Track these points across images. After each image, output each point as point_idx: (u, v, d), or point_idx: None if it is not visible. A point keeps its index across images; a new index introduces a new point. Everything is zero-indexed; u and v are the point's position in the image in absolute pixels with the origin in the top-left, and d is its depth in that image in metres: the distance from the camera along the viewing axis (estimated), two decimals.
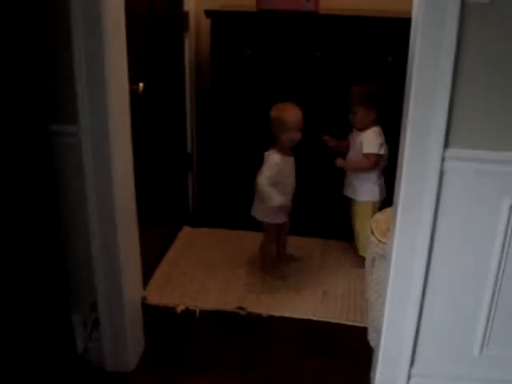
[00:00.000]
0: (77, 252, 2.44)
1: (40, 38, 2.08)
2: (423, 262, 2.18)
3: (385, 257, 2.46)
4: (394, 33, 3.41)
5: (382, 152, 3.30)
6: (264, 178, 3.12)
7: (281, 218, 3.28)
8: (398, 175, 2.18)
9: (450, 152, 2.03)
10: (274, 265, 3.42)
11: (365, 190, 3.40)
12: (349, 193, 3.48)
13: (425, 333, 2.33)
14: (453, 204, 2.11)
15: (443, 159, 2.03)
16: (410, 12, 2.11)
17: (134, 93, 2.66)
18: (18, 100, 1.97)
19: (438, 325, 2.32)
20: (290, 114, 3.12)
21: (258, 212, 3.28)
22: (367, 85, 3.34)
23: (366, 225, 3.20)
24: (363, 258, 3.25)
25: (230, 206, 3.91)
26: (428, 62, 1.94)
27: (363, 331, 2.88)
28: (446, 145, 2.02)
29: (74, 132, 2.25)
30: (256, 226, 3.31)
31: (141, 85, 2.82)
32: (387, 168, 3.29)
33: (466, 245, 2.17)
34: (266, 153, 3.19)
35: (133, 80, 2.61)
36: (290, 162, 3.22)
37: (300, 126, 3.11)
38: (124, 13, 2.28)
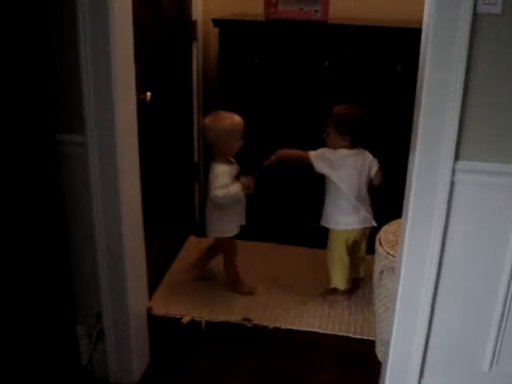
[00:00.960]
0: (82, 262, 2.43)
1: (47, 47, 2.07)
2: (433, 274, 2.16)
3: (393, 269, 2.43)
4: (403, 42, 3.39)
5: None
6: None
7: (234, 230, 3.21)
8: (407, 186, 2.15)
9: (461, 164, 2.01)
10: (238, 281, 3.35)
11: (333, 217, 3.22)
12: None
13: (434, 347, 2.31)
14: (463, 216, 2.08)
15: (453, 171, 2.01)
16: (418, 21, 2.09)
17: (141, 102, 2.65)
18: (25, 109, 1.96)
19: (447, 339, 2.29)
20: (237, 121, 3.05)
21: (217, 228, 3.22)
22: (349, 111, 3.10)
23: (329, 255, 3.19)
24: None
25: None
26: (439, 74, 1.92)
27: (371, 344, 2.86)
28: (457, 157, 2.00)
29: (80, 141, 2.23)
30: (262, 236, 3.28)
31: (148, 94, 2.81)
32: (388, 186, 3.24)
33: (476, 257, 2.14)
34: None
35: (140, 89, 2.60)
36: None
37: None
38: (132, 22, 2.27)
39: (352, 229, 3.16)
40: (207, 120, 3.10)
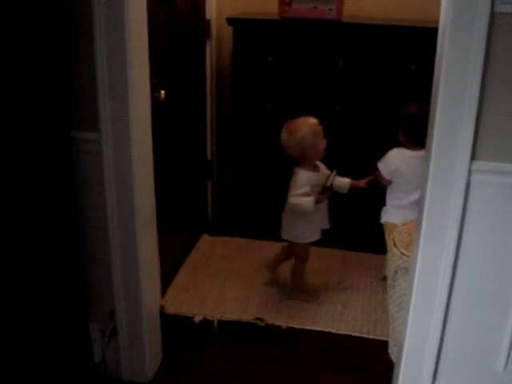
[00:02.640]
0: (96, 260, 2.43)
1: (62, 45, 2.07)
2: (448, 275, 2.14)
3: (407, 270, 2.42)
4: (418, 41, 3.39)
5: None
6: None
7: (314, 235, 3.15)
8: (422, 187, 2.14)
9: (477, 165, 1.99)
10: (304, 289, 3.29)
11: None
12: None
13: (448, 347, 2.29)
14: (479, 217, 2.06)
15: (470, 172, 1.99)
16: (433, 21, 2.08)
17: (155, 100, 2.65)
18: (40, 107, 1.96)
19: (461, 339, 2.27)
20: (314, 121, 2.98)
21: (290, 232, 3.17)
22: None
23: None
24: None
25: (250, 215, 3.88)
26: (455, 73, 1.90)
27: (384, 345, 2.85)
28: (473, 157, 1.98)
29: (95, 139, 2.24)
30: (276, 235, 3.27)
31: (162, 92, 2.82)
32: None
33: (491, 258, 2.12)
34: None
35: (155, 87, 2.61)
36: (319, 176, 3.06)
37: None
38: (147, 20, 2.27)
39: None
40: (283, 136, 3.02)
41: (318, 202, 2.97)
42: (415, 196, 2.81)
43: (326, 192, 3.01)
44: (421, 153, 2.78)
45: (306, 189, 2.97)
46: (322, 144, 2.98)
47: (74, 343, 2.34)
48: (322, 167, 3.10)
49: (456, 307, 2.21)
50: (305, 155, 3.00)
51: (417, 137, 3.03)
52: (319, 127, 2.98)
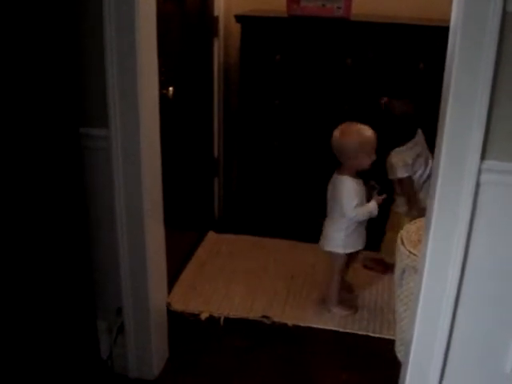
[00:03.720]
0: (103, 257, 2.43)
1: (72, 41, 2.06)
2: (456, 274, 2.13)
3: (415, 269, 2.41)
4: (426, 40, 3.38)
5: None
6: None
7: (357, 245, 3.09)
8: (431, 185, 2.13)
9: (487, 164, 1.98)
10: (341, 300, 3.18)
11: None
12: None
13: (456, 347, 2.28)
14: (488, 217, 2.05)
15: (480, 171, 1.98)
16: (441, 19, 2.07)
17: (163, 97, 2.65)
18: (50, 103, 1.96)
19: (469, 339, 2.26)
20: (368, 134, 2.91)
21: (332, 243, 3.07)
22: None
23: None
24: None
25: (256, 213, 3.88)
26: (466, 73, 1.89)
27: (390, 344, 2.85)
28: (483, 157, 1.97)
29: (104, 135, 2.24)
30: (282, 233, 3.26)
31: (170, 89, 2.81)
32: None
33: (500, 258, 2.11)
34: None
35: (163, 84, 2.60)
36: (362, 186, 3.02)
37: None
38: (156, 17, 2.27)
39: None
40: (335, 133, 2.94)
41: (378, 204, 2.98)
42: None
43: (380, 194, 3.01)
44: None
45: (360, 198, 2.96)
46: (365, 160, 2.91)
47: (82, 340, 2.34)
48: None
49: (464, 307, 2.20)
50: (346, 162, 2.94)
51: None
52: (372, 141, 2.90)
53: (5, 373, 1.86)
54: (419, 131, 3.24)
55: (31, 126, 1.88)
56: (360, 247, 3.10)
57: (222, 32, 3.80)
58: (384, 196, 3.00)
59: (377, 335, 2.95)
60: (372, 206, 2.96)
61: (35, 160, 1.91)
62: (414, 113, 3.20)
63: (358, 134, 2.89)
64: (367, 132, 2.89)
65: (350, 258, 3.16)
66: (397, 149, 3.24)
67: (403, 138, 3.22)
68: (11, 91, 1.75)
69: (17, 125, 1.80)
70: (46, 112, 1.95)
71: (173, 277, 3.24)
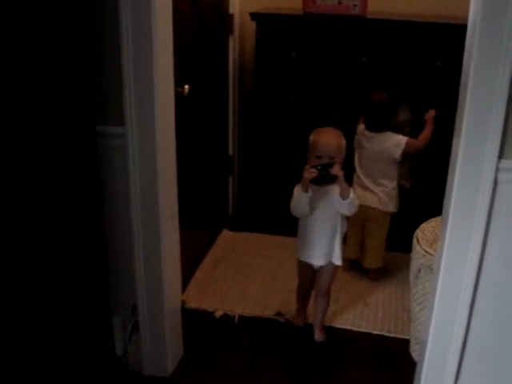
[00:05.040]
0: (118, 255, 2.43)
1: (88, 40, 2.06)
2: (473, 274, 2.11)
3: (431, 268, 2.40)
4: (442, 38, 3.36)
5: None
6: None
7: (307, 255, 2.82)
8: (448, 185, 2.12)
9: (505, 163, 1.96)
10: (297, 311, 3.06)
11: None
12: None
13: (472, 347, 2.26)
14: (505, 216, 2.04)
15: (497, 170, 1.97)
16: (458, 17, 2.05)
17: (179, 95, 2.65)
18: (67, 101, 1.96)
19: (485, 339, 2.25)
20: (319, 138, 2.65)
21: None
22: None
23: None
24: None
25: (271, 211, 3.87)
26: (484, 70, 1.87)
27: (405, 343, 2.84)
28: (501, 155, 1.96)
29: (120, 133, 2.24)
30: (296, 231, 3.24)
31: (186, 87, 2.81)
32: None
33: None
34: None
35: (178, 82, 2.60)
36: (320, 193, 2.69)
37: (328, 154, 2.59)
38: (172, 15, 2.26)
39: None
40: (331, 136, 2.68)
41: (303, 183, 2.63)
42: None
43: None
44: None
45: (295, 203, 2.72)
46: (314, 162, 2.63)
47: (97, 337, 2.35)
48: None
49: (480, 307, 2.19)
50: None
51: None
52: (330, 148, 2.62)
53: (20, 369, 1.86)
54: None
55: (47, 124, 1.88)
56: (311, 261, 2.83)
57: (237, 30, 3.79)
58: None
59: (391, 335, 2.94)
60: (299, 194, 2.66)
61: (53, 157, 1.91)
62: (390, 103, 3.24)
63: (327, 136, 2.67)
64: (331, 136, 2.68)
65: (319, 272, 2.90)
66: None
67: None
68: (28, 90, 1.76)
69: (33, 123, 1.80)
70: (63, 110, 1.95)
71: (187, 275, 3.24)
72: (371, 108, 3.22)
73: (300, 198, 2.66)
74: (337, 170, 2.58)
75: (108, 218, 2.35)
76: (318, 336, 2.94)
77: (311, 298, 3.04)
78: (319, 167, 2.58)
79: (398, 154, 3.18)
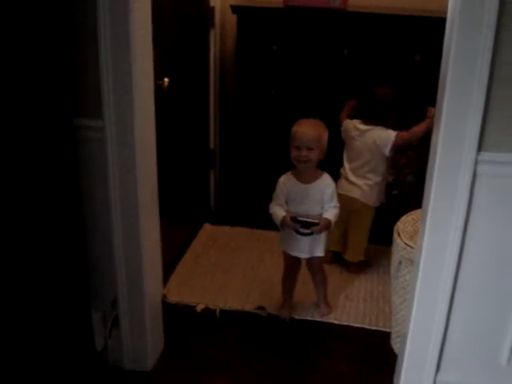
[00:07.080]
0: (98, 248, 2.41)
1: (65, 31, 2.05)
2: (452, 266, 2.13)
3: (412, 261, 2.40)
4: (422, 31, 3.36)
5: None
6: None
7: (290, 249, 2.90)
8: (428, 177, 2.13)
9: (484, 155, 1.97)
10: (283, 302, 3.07)
11: None
12: None
13: (452, 339, 2.28)
14: (485, 208, 2.05)
15: (476, 162, 1.98)
16: (438, 10, 2.06)
17: (158, 88, 2.63)
18: (44, 94, 1.94)
19: (465, 331, 2.26)
20: (298, 128, 2.71)
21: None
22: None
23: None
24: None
25: (252, 205, 3.86)
26: (463, 64, 1.88)
27: (386, 336, 2.85)
28: (480, 148, 1.97)
29: (98, 127, 2.22)
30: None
31: (166, 80, 2.79)
32: None
33: (497, 250, 2.11)
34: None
35: (158, 75, 2.58)
36: (301, 188, 2.79)
37: (306, 144, 2.67)
38: (151, 8, 2.24)
39: None
40: (313, 128, 2.73)
41: (282, 226, 2.78)
42: None
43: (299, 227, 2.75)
44: None
45: (277, 193, 2.83)
46: (296, 153, 2.72)
47: (76, 331, 2.33)
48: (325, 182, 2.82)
49: (460, 299, 2.20)
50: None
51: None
52: (309, 138, 2.69)
53: None
54: None
55: (26, 118, 1.86)
56: (295, 253, 2.90)
57: (218, 23, 3.77)
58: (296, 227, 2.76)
59: (373, 327, 2.94)
60: (276, 213, 2.79)
61: (29, 151, 1.89)
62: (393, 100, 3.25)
63: (307, 127, 2.73)
64: (311, 127, 2.74)
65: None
66: None
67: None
68: (5, 83, 1.74)
69: (10, 116, 1.78)
70: (41, 103, 1.94)
71: (168, 268, 3.23)
72: (374, 101, 3.22)
73: (277, 217, 2.80)
74: (317, 231, 2.74)
75: (87, 212, 2.33)
76: (326, 310, 3.04)
77: (295, 289, 3.07)
78: (301, 222, 2.73)
79: (387, 149, 3.18)
